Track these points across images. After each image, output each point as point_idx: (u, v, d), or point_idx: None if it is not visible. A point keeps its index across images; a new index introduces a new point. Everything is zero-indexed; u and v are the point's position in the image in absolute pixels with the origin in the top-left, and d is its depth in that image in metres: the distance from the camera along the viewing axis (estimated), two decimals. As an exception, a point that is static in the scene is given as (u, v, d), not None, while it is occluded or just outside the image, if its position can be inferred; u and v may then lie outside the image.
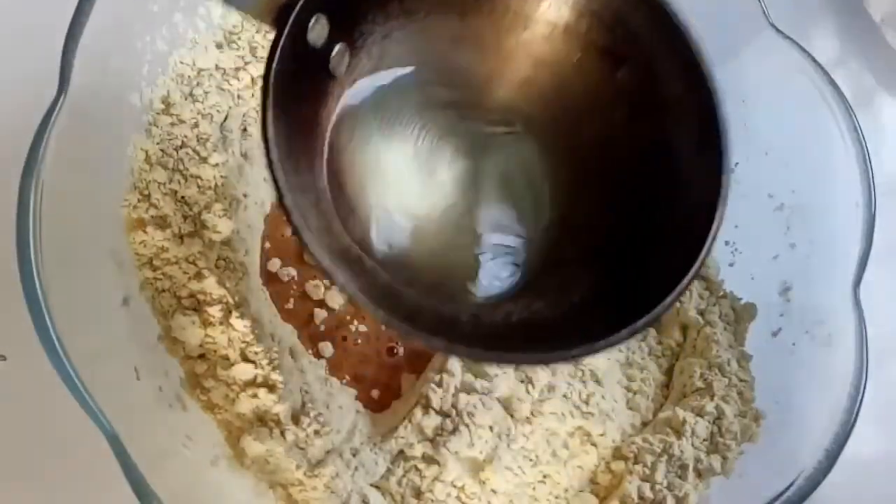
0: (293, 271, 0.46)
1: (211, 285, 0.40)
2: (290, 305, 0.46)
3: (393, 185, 0.29)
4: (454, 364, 0.43)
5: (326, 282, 0.46)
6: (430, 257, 0.29)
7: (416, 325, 0.25)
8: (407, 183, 0.29)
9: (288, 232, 0.47)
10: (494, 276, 0.30)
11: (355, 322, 0.46)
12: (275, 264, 0.46)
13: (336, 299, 0.46)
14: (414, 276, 0.29)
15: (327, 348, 0.45)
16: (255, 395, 0.39)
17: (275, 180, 0.25)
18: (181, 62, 0.44)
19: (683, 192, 0.28)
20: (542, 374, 0.44)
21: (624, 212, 0.29)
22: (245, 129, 0.45)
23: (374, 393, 0.45)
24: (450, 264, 0.29)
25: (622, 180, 0.29)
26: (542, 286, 0.29)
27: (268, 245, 0.47)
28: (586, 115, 0.29)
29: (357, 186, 0.30)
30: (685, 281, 0.25)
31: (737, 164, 0.52)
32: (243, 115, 0.45)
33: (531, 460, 0.43)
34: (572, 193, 0.30)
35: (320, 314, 0.46)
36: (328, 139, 0.29)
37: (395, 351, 0.46)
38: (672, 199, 0.29)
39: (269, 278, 0.46)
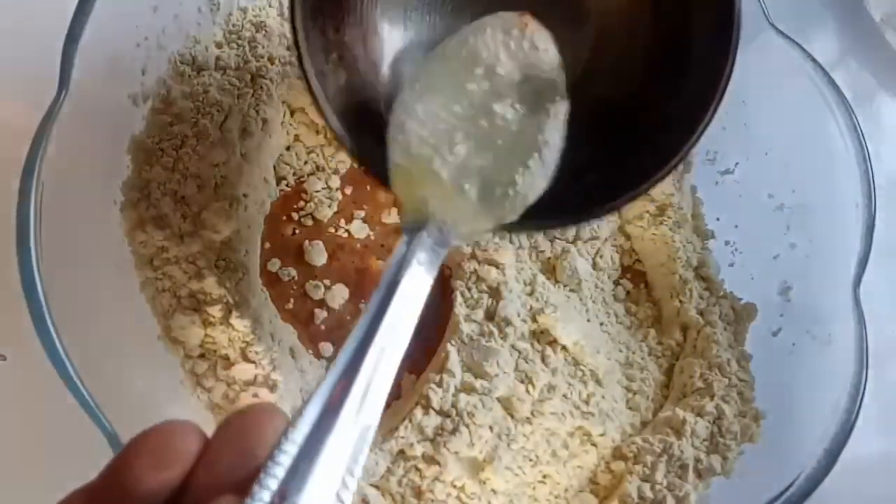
0: (293, 271, 0.46)
1: (211, 285, 0.40)
2: (290, 305, 0.46)
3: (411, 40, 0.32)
4: (454, 364, 0.43)
5: (327, 281, 0.46)
6: None
7: None
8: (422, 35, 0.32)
9: (288, 231, 0.47)
10: None
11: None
12: (275, 264, 0.46)
13: (336, 299, 0.46)
14: None
15: (327, 348, 0.45)
16: (255, 395, 0.39)
17: (296, 44, 0.28)
18: (181, 61, 0.44)
19: (695, 70, 0.31)
20: (542, 374, 0.44)
21: (634, 87, 0.32)
22: (245, 129, 0.45)
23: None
24: None
25: (637, 55, 0.32)
26: None
27: (268, 245, 0.47)
28: None
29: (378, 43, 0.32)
30: (688, 145, 0.29)
31: (737, 164, 0.52)
32: (243, 115, 0.45)
33: (531, 460, 0.43)
34: (589, 68, 0.32)
35: (320, 314, 0.46)
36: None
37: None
38: (682, 77, 0.31)
39: (269, 278, 0.46)
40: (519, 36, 0.30)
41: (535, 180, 0.30)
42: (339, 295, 0.46)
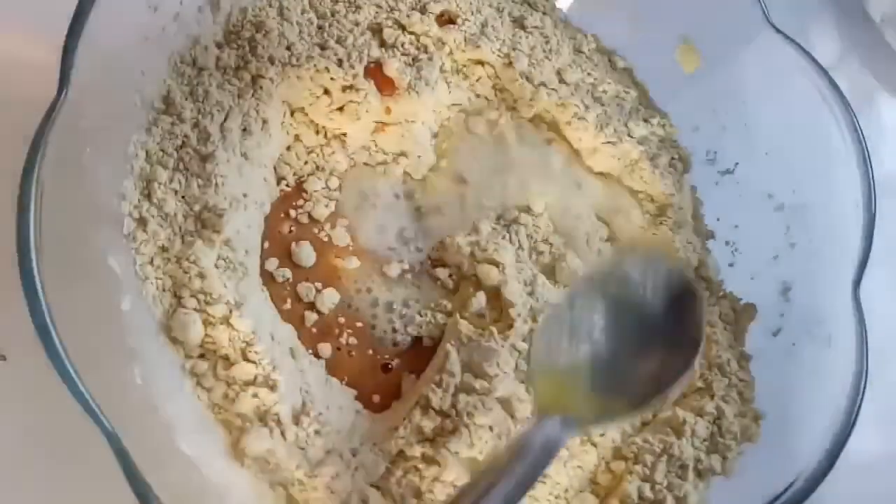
0: (288, 272, 0.46)
1: (211, 285, 0.40)
2: (288, 306, 0.46)
3: None
4: (454, 364, 0.43)
5: (318, 284, 0.46)
6: None
7: None
8: None
9: (286, 229, 0.47)
10: None
11: (346, 333, 0.46)
12: (272, 264, 0.46)
13: (325, 304, 0.46)
14: None
15: (326, 349, 0.45)
16: (255, 395, 0.39)
17: None
18: (181, 61, 0.44)
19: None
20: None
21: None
22: (245, 129, 0.45)
23: (375, 398, 0.45)
24: None
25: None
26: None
27: (267, 245, 0.47)
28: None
29: None
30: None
31: (737, 164, 0.52)
32: (243, 115, 0.45)
33: (531, 460, 0.43)
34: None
35: (310, 317, 0.46)
36: None
37: (390, 367, 0.46)
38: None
39: (267, 278, 0.46)
40: None
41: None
42: (328, 299, 0.46)
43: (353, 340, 0.46)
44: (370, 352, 0.46)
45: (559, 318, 0.42)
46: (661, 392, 0.39)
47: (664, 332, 0.41)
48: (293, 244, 0.47)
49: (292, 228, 0.48)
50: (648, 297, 0.42)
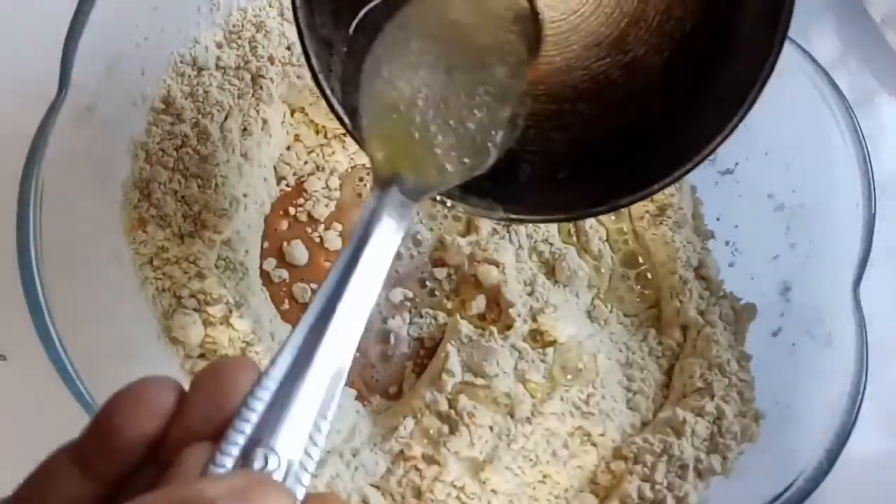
0: (284, 273, 0.46)
1: (211, 285, 0.40)
2: (286, 306, 0.46)
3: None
4: (454, 364, 0.43)
5: (314, 285, 0.46)
6: None
7: None
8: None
9: (283, 226, 0.47)
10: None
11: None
12: (270, 264, 0.46)
13: None
14: None
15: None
16: (255, 395, 0.39)
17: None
18: (181, 61, 0.44)
19: (732, 60, 0.31)
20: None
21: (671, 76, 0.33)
22: (245, 129, 0.45)
23: (375, 398, 0.45)
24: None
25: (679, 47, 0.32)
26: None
27: (267, 245, 0.47)
28: None
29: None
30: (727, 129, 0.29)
31: (737, 164, 0.52)
32: (243, 115, 0.45)
33: (531, 460, 0.43)
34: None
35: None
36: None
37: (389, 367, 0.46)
38: (719, 66, 0.31)
39: (266, 278, 0.46)
40: None
41: (506, 132, 0.32)
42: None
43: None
44: (370, 352, 0.46)
45: (391, 42, 0.33)
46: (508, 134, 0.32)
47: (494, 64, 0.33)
48: (284, 243, 0.47)
49: (287, 227, 0.48)
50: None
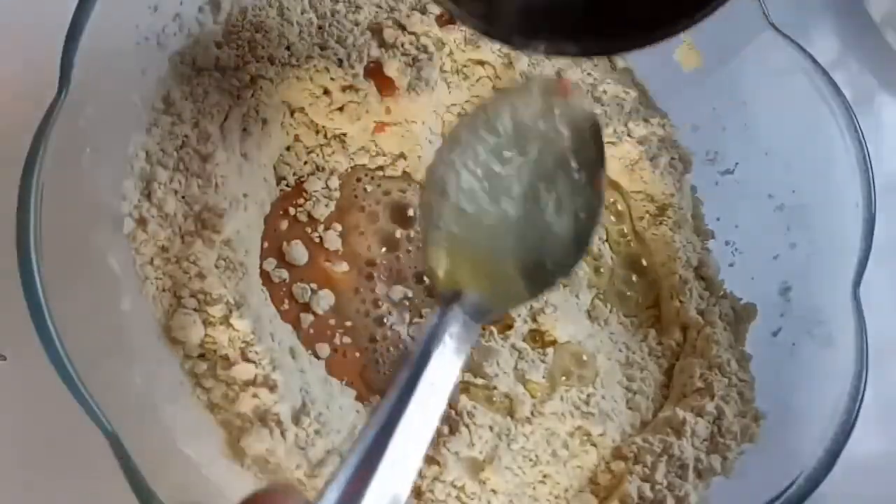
0: (284, 273, 0.46)
1: (211, 285, 0.40)
2: (286, 306, 0.46)
3: None
4: (454, 364, 0.43)
5: (313, 285, 0.46)
6: None
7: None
8: None
9: (283, 226, 0.47)
10: None
11: (344, 333, 0.46)
12: (270, 264, 0.46)
13: (320, 304, 0.46)
14: None
15: (324, 349, 0.45)
16: (255, 395, 0.39)
17: None
18: (181, 62, 0.44)
19: None
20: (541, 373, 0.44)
21: None
22: (245, 129, 0.45)
23: (375, 398, 0.45)
24: None
25: None
26: None
27: (266, 245, 0.47)
28: None
29: None
30: None
31: (737, 164, 0.52)
32: (243, 115, 0.45)
33: (531, 460, 0.43)
34: None
35: (306, 318, 0.46)
36: None
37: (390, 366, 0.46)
38: None
39: (266, 278, 0.46)
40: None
41: (570, 251, 0.32)
42: (324, 301, 0.46)
43: (350, 341, 0.46)
44: (369, 352, 0.46)
45: (441, 176, 0.33)
46: (583, 246, 0.32)
47: (570, 174, 0.33)
48: (284, 243, 0.47)
49: (287, 227, 0.48)
50: (545, 135, 0.34)
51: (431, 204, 0.33)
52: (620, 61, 0.55)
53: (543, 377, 0.45)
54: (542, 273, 0.32)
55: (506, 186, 0.33)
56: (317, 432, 0.40)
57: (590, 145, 0.34)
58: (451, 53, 0.51)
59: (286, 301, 0.46)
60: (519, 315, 0.45)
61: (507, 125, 0.34)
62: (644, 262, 0.51)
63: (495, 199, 0.33)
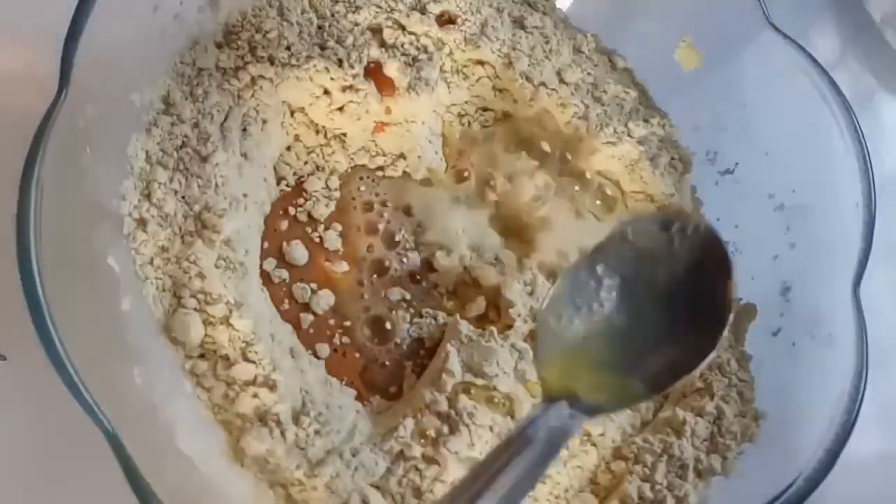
0: (284, 273, 0.46)
1: (211, 285, 0.40)
2: (286, 306, 0.46)
3: None
4: (454, 364, 0.43)
5: (313, 285, 0.46)
6: None
7: None
8: None
9: (283, 226, 0.47)
10: None
11: (344, 333, 0.46)
12: (270, 264, 0.46)
13: (320, 304, 0.46)
14: None
15: (324, 349, 0.45)
16: (255, 395, 0.39)
17: None
18: (181, 62, 0.44)
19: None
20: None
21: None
22: (245, 129, 0.45)
23: (375, 398, 0.45)
24: None
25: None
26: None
27: (266, 245, 0.47)
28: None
29: None
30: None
31: (737, 164, 0.52)
32: (243, 115, 0.45)
33: (531, 460, 0.43)
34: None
35: (306, 318, 0.46)
36: None
37: (389, 367, 0.46)
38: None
39: (266, 278, 0.46)
40: None
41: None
42: (324, 301, 0.46)
43: (349, 341, 0.46)
44: (369, 352, 0.46)
45: (567, 292, 0.38)
46: (679, 375, 0.35)
47: (686, 306, 0.37)
48: (284, 243, 0.47)
49: (287, 227, 0.48)
50: (668, 265, 0.38)
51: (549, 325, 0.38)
52: (620, 61, 0.55)
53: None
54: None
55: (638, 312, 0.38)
56: (317, 432, 0.40)
57: (714, 259, 0.38)
58: (450, 53, 0.51)
59: (286, 301, 0.46)
60: (519, 315, 0.45)
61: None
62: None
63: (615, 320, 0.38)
